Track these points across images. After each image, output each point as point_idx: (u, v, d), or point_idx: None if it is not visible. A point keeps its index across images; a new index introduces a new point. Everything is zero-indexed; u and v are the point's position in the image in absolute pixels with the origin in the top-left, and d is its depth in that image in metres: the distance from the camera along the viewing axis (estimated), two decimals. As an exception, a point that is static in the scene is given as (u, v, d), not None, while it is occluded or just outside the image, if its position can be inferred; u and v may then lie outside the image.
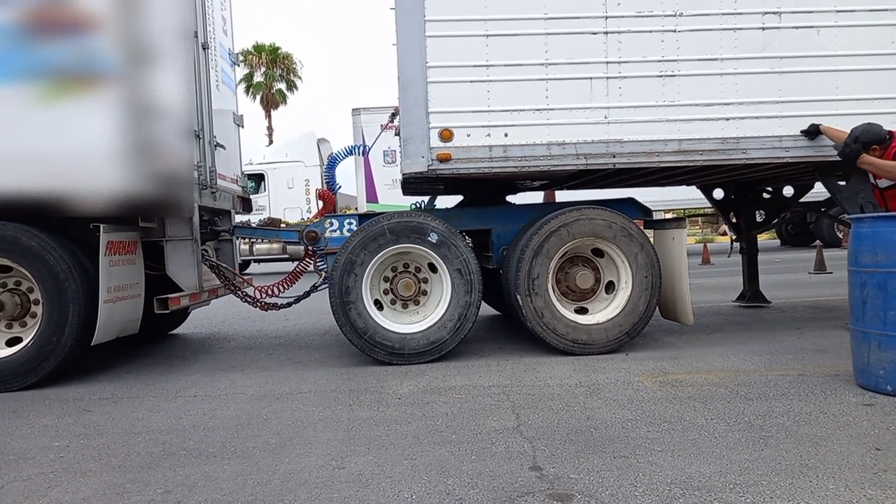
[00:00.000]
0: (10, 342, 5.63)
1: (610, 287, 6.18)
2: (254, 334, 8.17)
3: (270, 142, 33.00)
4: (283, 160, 18.36)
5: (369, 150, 12.09)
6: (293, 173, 18.36)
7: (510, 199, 7.84)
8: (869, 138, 5.47)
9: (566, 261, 6.17)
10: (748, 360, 5.47)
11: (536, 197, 11.14)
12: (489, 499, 2.95)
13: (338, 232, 6.40)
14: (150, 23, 5.46)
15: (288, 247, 17.75)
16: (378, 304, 6.01)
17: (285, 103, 42.08)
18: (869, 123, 5.55)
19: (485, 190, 7.35)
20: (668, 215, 15.32)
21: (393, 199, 15.68)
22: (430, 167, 5.71)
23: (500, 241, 6.53)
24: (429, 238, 5.88)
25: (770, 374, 5.00)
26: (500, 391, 4.79)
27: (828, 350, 5.73)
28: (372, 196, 17.70)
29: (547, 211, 6.13)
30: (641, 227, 6.17)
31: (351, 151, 8.15)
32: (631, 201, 6.63)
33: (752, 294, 8.81)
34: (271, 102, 41.10)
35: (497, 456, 3.47)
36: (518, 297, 5.85)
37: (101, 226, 5.39)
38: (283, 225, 7.39)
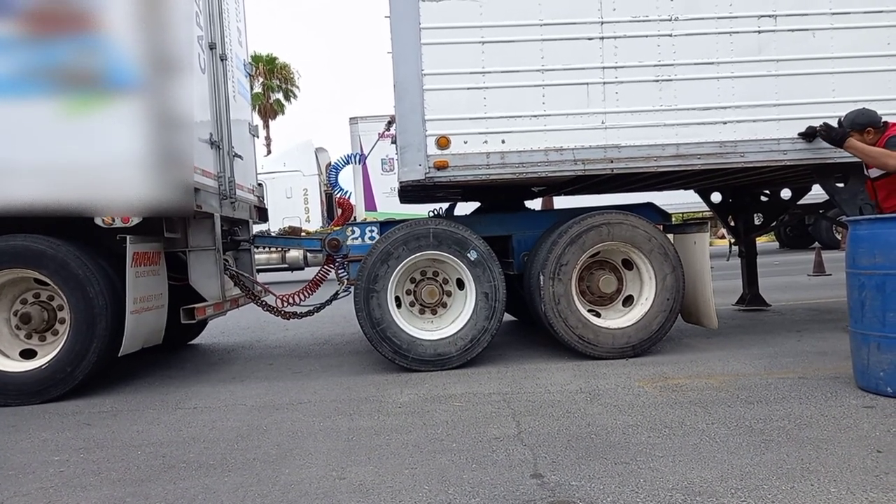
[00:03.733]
0: (24, 353, 5.63)
1: (628, 301, 6.20)
2: (253, 345, 8.15)
3: (268, 152, 33.01)
4: (281, 170, 18.36)
5: (366, 158, 12.10)
6: (291, 183, 18.36)
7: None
8: (864, 120, 5.45)
9: (594, 262, 6.18)
10: (748, 364, 5.47)
11: (561, 203, 11.13)
12: (490, 507, 2.94)
13: (359, 240, 6.42)
14: (174, 35, 5.50)
15: (287, 256, 17.74)
16: (397, 302, 6.01)
17: (283, 113, 42.18)
18: (865, 108, 5.53)
19: (503, 196, 7.35)
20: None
21: (391, 206, 15.66)
22: (427, 175, 5.71)
23: (521, 247, 6.55)
24: (468, 254, 5.89)
25: (770, 377, 4.99)
26: (500, 398, 4.78)
27: (828, 352, 5.72)
28: (370, 204, 17.71)
29: (567, 216, 6.13)
30: (664, 233, 6.16)
31: (349, 160, 8.18)
32: (650, 206, 6.65)
33: (751, 297, 8.80)
34: (269, 113, 41.17)
35: (498, 464, 3.46)
36: (542, 277, 5.84)
37: (128, 237, 5.41)
38: (303, 234, 7.42)
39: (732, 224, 8.84)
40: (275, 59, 41.08)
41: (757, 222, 8.94)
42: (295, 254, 17.65)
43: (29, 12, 5.36)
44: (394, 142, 6.50)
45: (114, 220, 5.49)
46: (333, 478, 3.39)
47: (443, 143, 5.69)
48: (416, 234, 5.88)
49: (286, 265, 18.11)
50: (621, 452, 3.53)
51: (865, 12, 5.90)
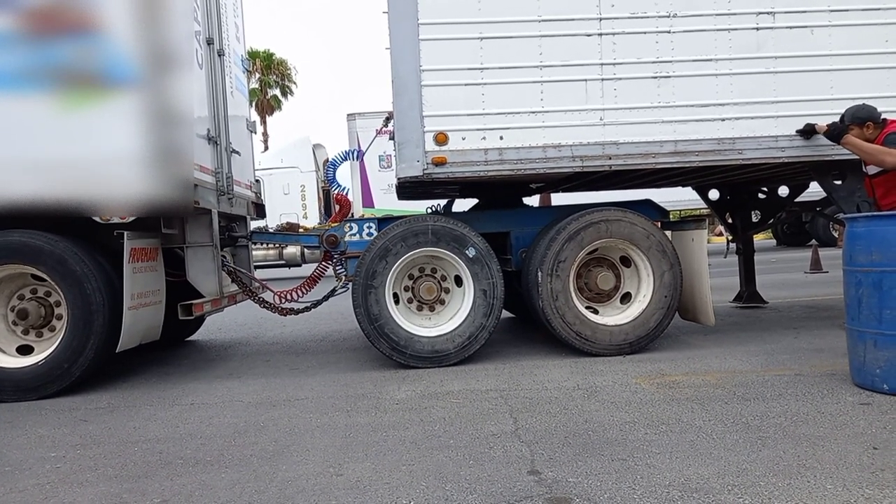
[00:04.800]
0: (21, 349, 5.62)
1: (625, 298, 6.21)
2: (250, 341, 8.15)
3: (266, 148, 32.95)
4: (279, 166, 18.30)
5: (363, 154, 12.07)
6: (289, 179, 18.30)
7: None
8: (864, 114, 5.45)
9: (592, 259, 6.19)
10: (745, 361, 5.47)
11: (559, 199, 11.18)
12: (487, 504, 2.94)
13: (357, 236, 6.41)
14: (171, 30, 5.48)
15: (284, 252, 17.71)
16: (395, 299, 6.00)
17: (280, 109, 42.11)
18: (865, 103, 5.53)
19: (501, 193, 7.34)
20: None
21: (389, 203, 15.65)
22: (425, 171, 5.70)
23: (519, 244, 6.54)
24: (466, 251, 5.88)
25: (767, 374, 5.00)
26: (497, 395, 4.78)
27: (824, 349, 5.73)
28: (368, 201, 17.69)
29: (566, 213, 6.12)
30: (662, 230, 6.15)
31: (346, 157, 8.16)
32: (648, 202, 6.64)
33: (748, 294, 8.82)
34: (266, 109, 41.09)
35: (495, 460, 3.46)
36: (540, 273, 5.84)
37: (125, 233, 5.41)
38: (301, 230, 7.41)
39: (730, 221, 8.85)
40: (272, 54, 41.00)
41: (754, 220, 8.96)
42: (292, 250, 17.61)
43: (26, 8, 5.34)
44: (392, 138, 6.49)
45: (111, 217, 5.48)
46: (330, 474, 3.39)
47: (441, 139, 5.68)
48: (414, 230, 5.88)
49: (283, 262, 18.08)
50: (618, 449, 3.53)
51: (863, 10, 5.90)
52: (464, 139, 5.71)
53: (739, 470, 3.16)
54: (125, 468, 3.65)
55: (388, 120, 7.40)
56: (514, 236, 6.55)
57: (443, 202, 8.98)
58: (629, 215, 5.98)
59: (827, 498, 2.81)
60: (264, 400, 5.05)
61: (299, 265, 18.20)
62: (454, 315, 6.00)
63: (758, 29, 5.86)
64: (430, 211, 7.47)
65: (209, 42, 6.52)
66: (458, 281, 6.07)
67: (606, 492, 2.99)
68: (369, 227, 6.40)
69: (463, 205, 8.46)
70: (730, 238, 9.08)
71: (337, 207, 7.61)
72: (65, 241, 5.41)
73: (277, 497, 3.13)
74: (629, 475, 3.17)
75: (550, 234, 5.94)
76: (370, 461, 3.55)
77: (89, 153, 5.29)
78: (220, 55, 6.74)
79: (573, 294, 5.94)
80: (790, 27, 5.87)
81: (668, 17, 5.78)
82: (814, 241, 17.00)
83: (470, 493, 3.06)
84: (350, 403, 4.79)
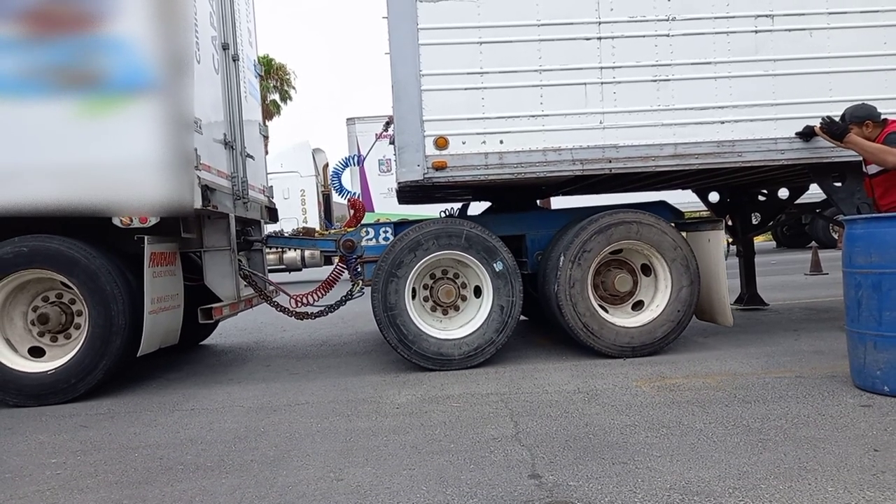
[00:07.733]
0: (33, 351, 5.60)
1: (637, 306, 6.21)
2: (251, 346, 8.15)
3: (266, 152, 32.97)
4: (279, 171, 18.24)
5: (364, 159, 12.09)
6: (288, 184, 18.29)
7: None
8: (863, 113, 5.45)
9: (612, 260, 6.20)
10: (745, 364, 5.47)
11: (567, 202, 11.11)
12: (488, 508, 2.94)
13: (374, 241, 6.45)
14: (189, 36, 5.47)
15: (284, 257, 17.71)
16: (412, 294, 5.99)
17: (279, 114, 42.09)
18: (864, 103, 5.53)
19: (514, 196, 7.35)
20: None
21: (389, 207, 15.65)
22: (425, 175, 5.70)
23: (535, 247, 6.56)
24: (494, 264, 5.88)
25: (767, 376, 4.99)
26: (498, 399, 4.78)
27: (825, 352, 5.73)
28: (368, 205, 17.63)
29: (584, 215, 6.13)
30: (689, 246, 6.13)
31: (347, 163, 8.19)
32: (663, 204, 6.65)
33: (749, 296, 8.82)
34: (266, 114, 41.06)
35: (496, 464, 3.46)
36: (563, 258, 5.84)
37: (146, 237, 5.39)
38: (316, 234, 7.42)
39: (730, 223, 8.85)
40: (271, 60, 40.98)
41: (754, 222, 8.96)
42: (292, 255, 17.64)
43: (46, 13, 5.32)
44: (392, 142, 6.49)
45: (132, 221, 5.46)
46: (331, 479, 3.39)
47: (441, 143, 5.69)
48: (448, 231, 5.89)
49: (283, 266, 18.07)
50: (619, 452, 3.53)
51: (862, 12, 5.91)
52: (464, 143, 5.71)
53: (740, 473, 3.16)
54: (125, 474, 3.65)
55: (388, 124, 7.42)
56: (530, 239, 6.57)
57: (449, 206, 8.95)
58: (661, 223, 6.00)
59: (828, 500, 2.81)
60: (264, 405, 5.05)
61: (299, 269, 18.20)
62: (466, 323, 6.00)
63: (756, 32, 5.86)
64: (444, 214, 7.48)
65: (224, 47, 6.53)
66: (478, 292, 6.07)
67: (607, 495, 2.99)
68: (385, 232, 6.43)
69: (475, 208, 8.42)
70: (730, 240, 9.07)
71: (352, 212, 7.62)
72: (101, 257, 5.39)
73: (278, 502, 3.13)
74: (630, 478, 3.16)
75: (581, 224, 5.96)
76: (371, 466, 3.55)
77: (112, 158, 5.26)
78: (234, 60, 6.76)
79: (589, 287, 5.94)
80: (789, 30, 5.88)
81: (667, 20, 5.79)
82: (813, 243, 16.97)
83: (471, 497, 3.06)
84: (350, 408, 4.78)
